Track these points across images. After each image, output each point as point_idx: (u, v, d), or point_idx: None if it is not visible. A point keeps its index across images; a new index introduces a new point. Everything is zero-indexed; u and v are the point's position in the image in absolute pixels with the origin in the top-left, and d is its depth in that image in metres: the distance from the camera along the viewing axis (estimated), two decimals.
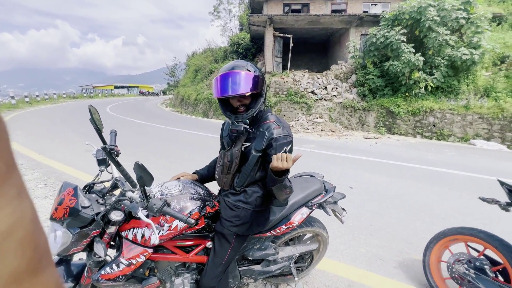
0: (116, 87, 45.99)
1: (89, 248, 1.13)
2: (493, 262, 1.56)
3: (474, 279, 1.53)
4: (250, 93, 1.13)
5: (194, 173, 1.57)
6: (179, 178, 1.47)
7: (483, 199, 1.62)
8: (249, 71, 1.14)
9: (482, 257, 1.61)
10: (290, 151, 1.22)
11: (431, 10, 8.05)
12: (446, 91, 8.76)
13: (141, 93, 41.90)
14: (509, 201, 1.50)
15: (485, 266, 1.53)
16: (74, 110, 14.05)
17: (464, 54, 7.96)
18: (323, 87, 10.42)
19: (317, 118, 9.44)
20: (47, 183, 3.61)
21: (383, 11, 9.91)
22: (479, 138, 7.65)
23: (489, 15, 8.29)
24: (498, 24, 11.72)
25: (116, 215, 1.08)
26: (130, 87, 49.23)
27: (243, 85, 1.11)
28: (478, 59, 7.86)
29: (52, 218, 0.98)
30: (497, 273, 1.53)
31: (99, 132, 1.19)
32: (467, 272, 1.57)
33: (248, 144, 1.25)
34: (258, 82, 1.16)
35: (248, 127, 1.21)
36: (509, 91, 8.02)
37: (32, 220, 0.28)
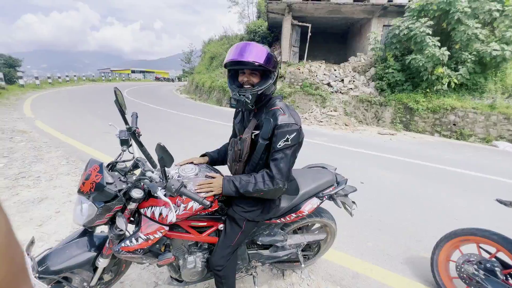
0: (133, 72, 46.92)
1: (111, 222, 1.21)
2: (505, 265, 1.54)
3: (483, 280, 1.52)
4: (259, 63, 1.13)
5: (204, 155, 1.58)
6: (191, 162, 1.50)
7: (501, 201, 1.58)
8: (264, 47, 1.19)
9: (493, 259, 1.59)
10: (296, 140, 1.18)
11: (462, 1, 7.55)
12: (470, 88, 8.31)
13: (157, 79, 42.48)
14: None
15: (496, 268, 1.52)
16: (93, 92, 14.49)
17: (495, 49, 7.46)
18: (340, 80, 10.16)
19: (331, 111, 9.27)
20: (69, 161, 3.82)
21: (409, 1, 9.36)
22: (502, 140, 7.29)
23: None
24: None
25: (137, 193, 1.15)
26: (147, 72, 50.08)
27: (256, 55, 1.13)
28: (509, 55, 7.36)
29: (80, 192, 1.06)
30: (508, 276, 1.51)
31: (122, 113, 1.25)
32: (476, 272, 1.56)
33: (257, 132, 1.26)
34: (271, 61, 1.18)
35: (249, 101, 1.20)
36: None
37: (6, 234, 0.27)
